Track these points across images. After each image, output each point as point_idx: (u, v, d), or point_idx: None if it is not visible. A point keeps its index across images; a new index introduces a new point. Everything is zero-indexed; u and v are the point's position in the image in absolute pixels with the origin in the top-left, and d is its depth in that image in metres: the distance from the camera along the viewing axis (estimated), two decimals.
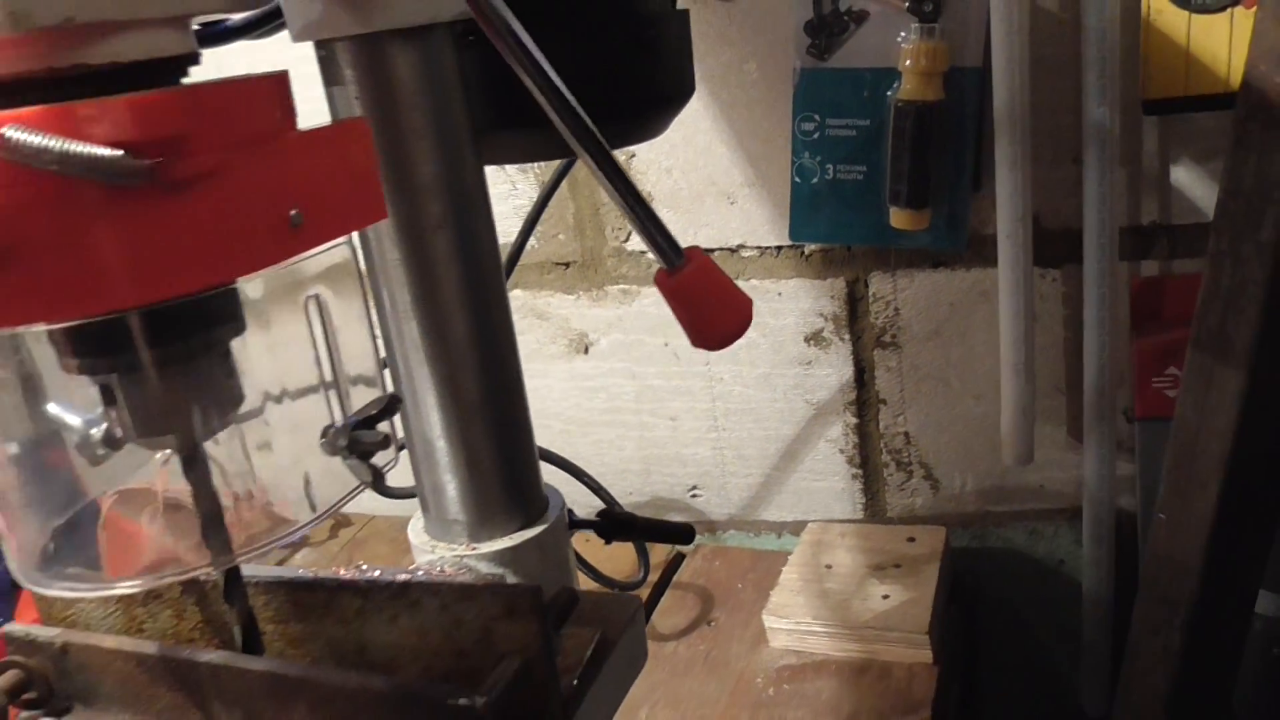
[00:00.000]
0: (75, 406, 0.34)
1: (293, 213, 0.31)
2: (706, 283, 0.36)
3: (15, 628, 0.40)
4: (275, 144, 0.31)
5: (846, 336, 0.99)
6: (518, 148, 0.57)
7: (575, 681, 0.36)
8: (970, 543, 0.99)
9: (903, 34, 0.83)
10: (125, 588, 0.33)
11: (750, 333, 1.08)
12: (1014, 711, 1.00)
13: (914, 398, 0.99)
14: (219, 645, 0.39)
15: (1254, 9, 0.70)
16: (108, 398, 0.32)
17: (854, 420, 1.01)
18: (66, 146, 0.25)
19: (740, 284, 1.00)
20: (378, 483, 0.34)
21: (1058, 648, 0.98)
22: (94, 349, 0.31)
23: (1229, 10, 0.70)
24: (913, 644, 0.82)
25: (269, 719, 0.36)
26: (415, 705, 0.33)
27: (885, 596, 0.86)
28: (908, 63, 0.83)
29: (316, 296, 0.33)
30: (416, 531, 0.53)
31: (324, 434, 0.34)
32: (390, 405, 0.34)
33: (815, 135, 0.90)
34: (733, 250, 0.98)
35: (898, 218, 0.87)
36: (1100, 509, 0.90)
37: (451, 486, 0.51)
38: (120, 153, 0.26)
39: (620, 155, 0.99)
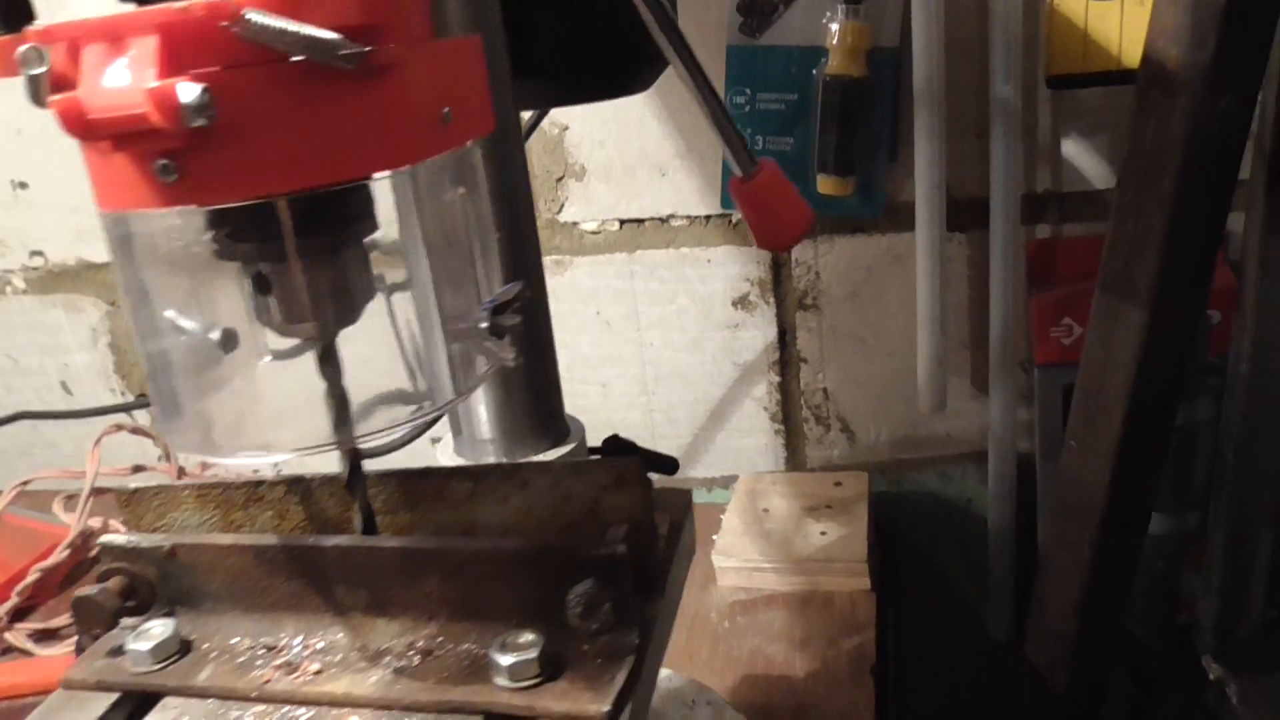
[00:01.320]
0: (194, 309, 0.36)
1: (445, 110, 0.34)
2: (778, 189, 0.41)
3: (115, 537, 0.41)
4: (434, 45, 0.34)
5: (771, 300, 1.05)
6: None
7: (661, 550, 0.40)
8: (887, 488, 1.07)
9: (828, 14, 0.91)
10: (275, 457, 0.36)
11: (680, 299, 1.14)
12: (929, 641, 1.09)
13: (832, 356, 1.06)
14: None
15: None
16: (260, 286, 0.34)
17: (777, 379, 1.08)
18: (301, 29, 0.28)
19: (670, 252, 1.06)
20: (511, 361, 0.37)
21: (966, 581, 1.08)
22: (257, 233, 0.33)
23: None
24: (853, 573, 0.90)
25: (397, 595, 0.39)
26: (554, 561, 0.36)
27: (823, 533, 0.94)
28: (834, 41, 0.90)
29: (454, 189, 0.36)
30: (447, 453, 0.56)
31: (458, 320, 0.37)
32: (521, 293, 0.37)
33: (746, 109, 0.97)
34: (664, 220, 1.04)
35: (825, 184, 0.95)
36: (1004, 450, 1.00)
37: (484, 408, 0.54)
38: (342, 37, 0.29)
39: (553, 128, 1.03)
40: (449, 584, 0.38)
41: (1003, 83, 0.88)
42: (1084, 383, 0.82)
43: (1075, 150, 0.95)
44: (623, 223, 1.03)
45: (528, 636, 0.36)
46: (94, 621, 0.39)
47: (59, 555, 0.87)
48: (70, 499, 0.96)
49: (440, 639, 0.38)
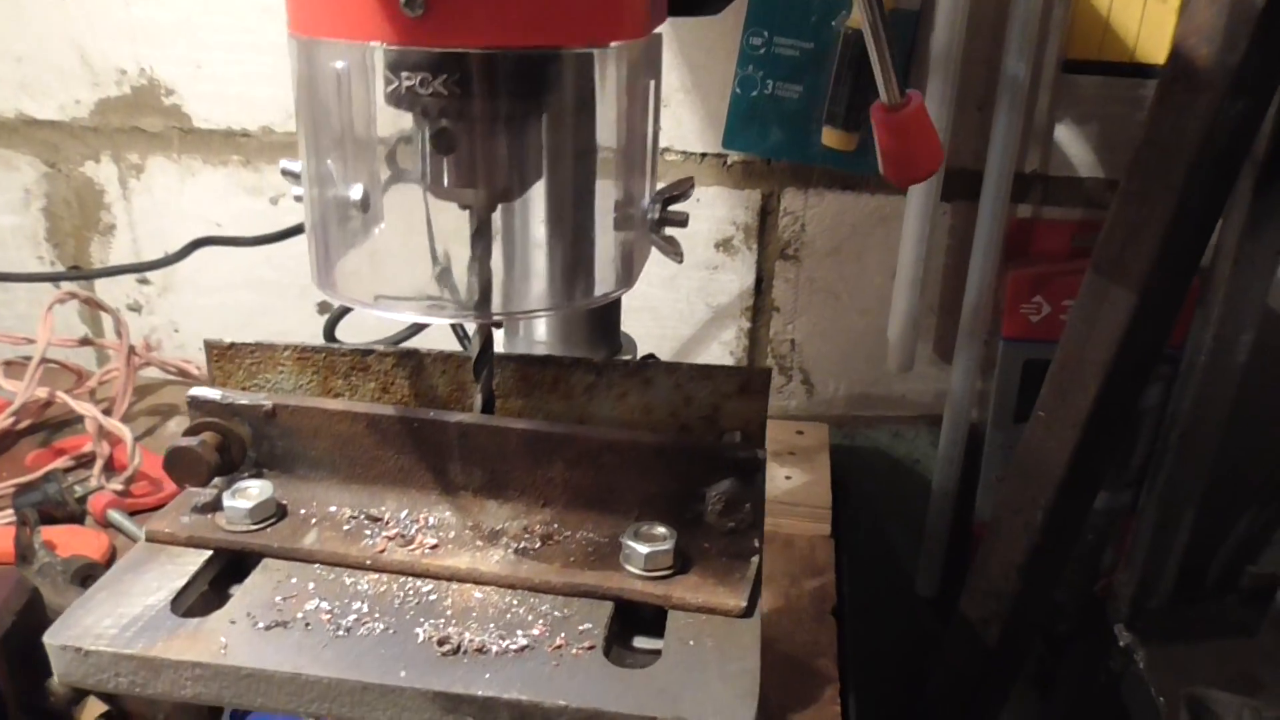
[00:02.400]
0: (361, 160, 0.35)
1: None
2: (921, 123, 0.41)
3: (208, 391, 0.39)
4: None
5: (754, 246, 1.06)
6: None
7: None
8: (841, 441, 1.10)
9: None
10: (401, 310, 0.34)
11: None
12: (860, 590, 1.13)
13: (805, 308, 1.08)
14: None
15: None
16: (440, 142, 0.33)
17: (748, 325, 1.10)
18: None
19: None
20: (678, 257, 0.37)
21: (901, 536, 1.13)
22: (455, 86, 0.32)
23: None
24: (816, 518, 0.92)
25: (516, 478, 0.38)
26: (692, 458, 0.37)
27: (788, 477, 0.96)
28: None
29: (648, 74, 0.35)
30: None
31: (629, 208, 0.36)
32: (689, 189, 0.37)
33: (762, 50, 0.97)
34: (659, 153, 1.03)
35: (830, 137, 0.96)
36: (959, 415, 1.05)
37: (543, 325, 0.53)
38: None
39: None
40: (574, 471, 0.37)
41: (1016, 60, 0.91)
42: (1062, 356, 0.86)
43: (1067, 136, 0.99)
44: None
45: (660, 529, 0.36)
46: (190, 475, 0.37)
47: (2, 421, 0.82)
48: (9, 365, 0.90)
49: (556, 525, 0.38)
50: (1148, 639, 0.99)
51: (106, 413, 0.90)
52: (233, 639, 0.33)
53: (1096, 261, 0.82)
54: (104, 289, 1.13)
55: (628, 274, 0.37)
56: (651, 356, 0.65)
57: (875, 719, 0.87)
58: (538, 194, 0.35)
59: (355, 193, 0.35)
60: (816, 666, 0.78)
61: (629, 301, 1.10)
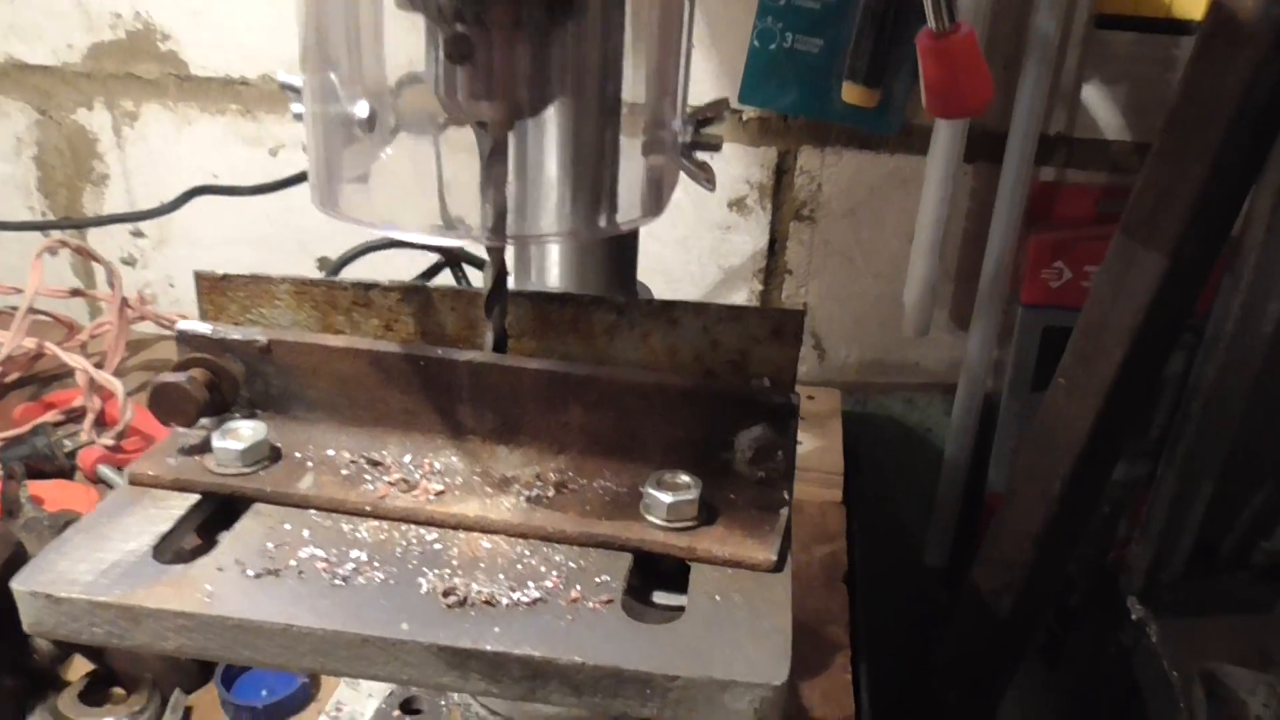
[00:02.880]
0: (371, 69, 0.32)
1: None
2: (970, 52, 0.38)
3: (198, 324, 0.36)
4: None
5: (768, 206, 1.03)
6: None
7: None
8: (853, 408, 1.08)
9: None
10: (408, 232, 0.32)
11: (676, 194, 1.11)
12: (869, 559, 1.11)
13: (819, 271, 1.06)
14: None
15: None
16: (454, 49, 0.30)
17: (760, 287, 1.07)
18: None
19: None
20: (711, 184, 0.34)
21: (911, 506, 1.10)
22: None
23: None
24: (827, 484, 0.90)
25: (530, 422, 0.36)
26: (721, 402, 0.34)
27: (799, 443, 0.93)
28: None
29: None
30: None
31: (658, 129, 0.34)
32: (723, 109, 0.34)
33: (781, 2, 0.93)
34: None
35: (850, 93, 0.93)
36: (975, 384, 1.02)
37: (559, 253, 0.50)
38: None
39: None
40: (593, 415, 0.35)
41: (1047, 15, 0.88)
42: (1086, 322, 0.83)
43: (1095, 97, 0.96)
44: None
45: (684, 478, 0.34)
46: (177, 413, 0.34)
47: None
48: None
49: (571, 473, 0.36)
50: (1161, 613, 0.96)
51: (98, 366, 0.87)
52: (220, 587, 0.30)
53: (1126, 223, 0.79)
54: (97, 242, 1.10)
55: (656, 200, 0.34)
56: None
57: (885, 686, 0.85)
58: (560, 110, 0.32)
59: (361, 110, 0.32)
60: (827, 634, 0.76)
61: (642, 261, 1.07)
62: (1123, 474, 0.99)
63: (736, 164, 1.02)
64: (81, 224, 1.07)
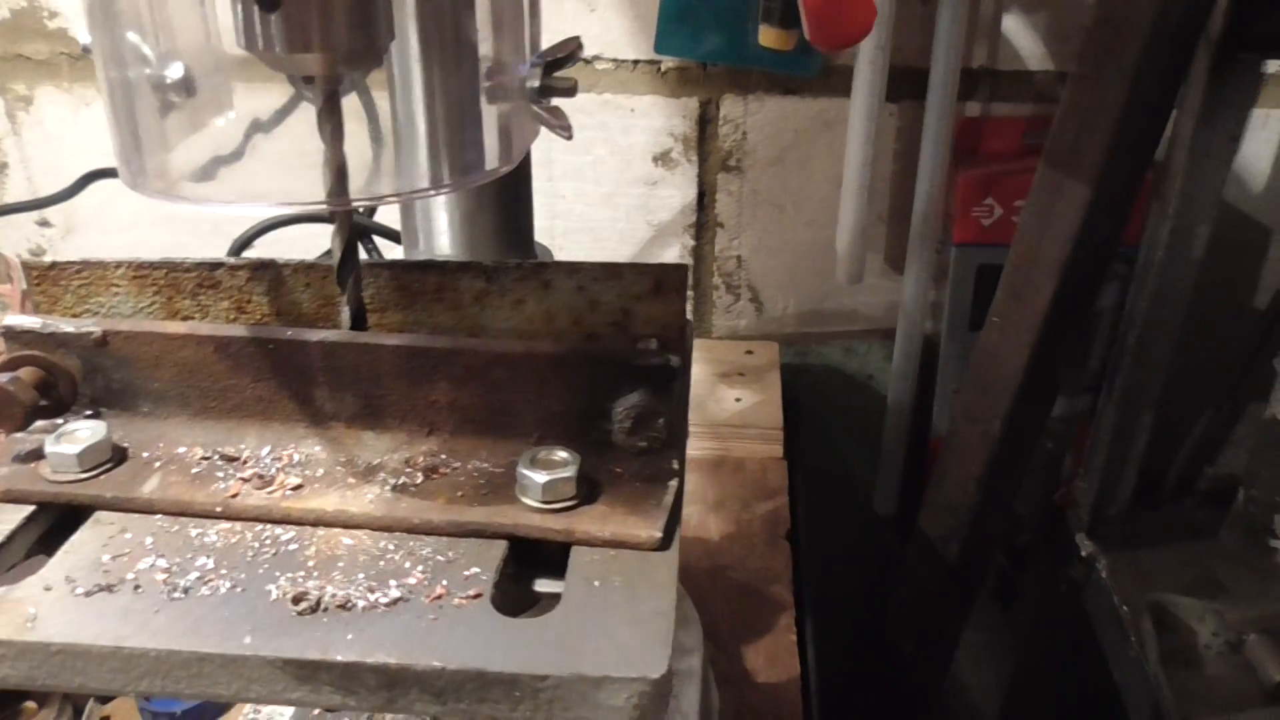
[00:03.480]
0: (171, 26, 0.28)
1: None
2: None
3: (25, 319, 0.33)
4: None
5: (694, 158, 1.00)
6: None
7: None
8: (793, 359, 1.06)
9: None
10: (237, 202, 0.29)
11: (598, 149, 1.08)
12: (816, 511, 1.10)
13: (750, 222, 1.03)
14: None
15: None
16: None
17: (691, 243, 1.04)
18: None
19: (592, 98, 0.99)
20: (566, 132, 0.31)
21: (857, 454, 1.09)
22: None
23: None
24: (767, 439, 0.88)
25: (394, 403, 0.33)
26: (596, 368, 0.31)
27: (737, 399, 0.91)
28: None
29: None
30: None
31: (503, 74, 0.31)
32: (576, 51, 0.31)
33: None
34: (587, 62, 0.96)
35: (766, 35, 0.89)
36: (913, 327, 1.00)
37: (446, 215, 0.47)
38: None
39: None
40: (461, 391, 0.32)
41: None
42: (1015, 257, 0.81)
43: (1015, 27, 0.93)
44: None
45: (561, 454, 0.31)
46: (3, 418, 0.31)
47: None
48: None
49: (443, 456, 0.33)
50: (1109, 547, 0.96)
51: None
52: (44, 609, 0.28)
53: (1049, 153, 0.77)
54: (2, 233, 1.05)
55: (507, 150, 0.31)
56: None
57: (835, 640, 0.84)
58: (392, 58, 0.29)
59: (173, 71, 0.29)
60: (771, 593, 0.74)
61: (566, 223, 1.04)
62: (1063, 410, 0.98)
63: (658, 116, 0.99)
64: None
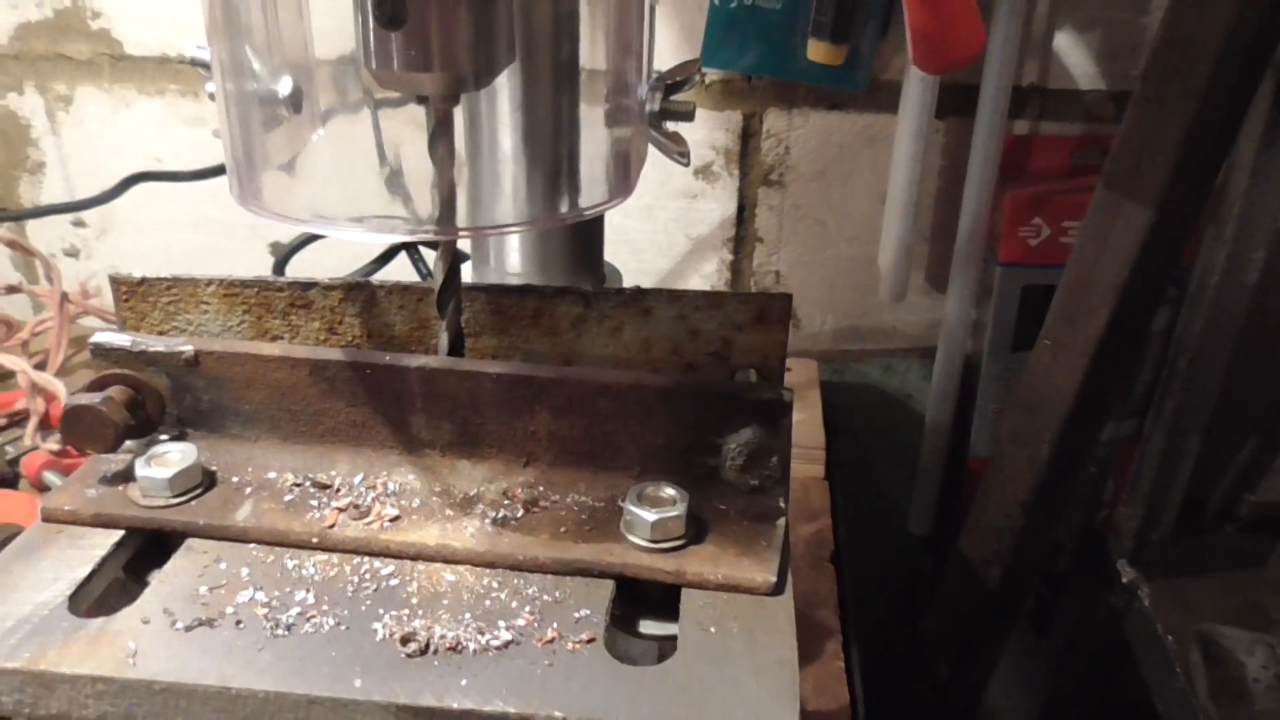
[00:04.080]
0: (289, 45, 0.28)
1: None
2: None
3: (115, 336, 0.32)
4: None
5: (735, 172, 1.00)
6: None
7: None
8: (830, 376, 1.05)
9: None
10: (343, 228, 0.28)
11: None
12: (852, 531, 1.09)
13: (790, 237, 1.02)
14: None
15: None
16: (386, 14, 0.26)
17: (730, 257, 1.03)
18: None
19: None
20: (684, 158, 0.30)
21: (893, 473, 1.08)
22: None
23: None
24: (809, 459, 0.87)
25: (492, 432, 0.32)
26: (706, 401, 0.30)
27: None
28: None
29: None
30: None
31: (622, 97, 0.29)
32: (695, 73, 0.30)
33: None
34: None
35: (816, 50, 0.88)
36: (954, 346, 0.99)
37: (516, 254, 0.46)
38: None
39: None
40: (562, 421, 0.31)
41: None
42: (1070, 280, 0.80)
43: (1067, 44, 0.92)
44: None
45: (668, 490, 0.30)
46: (94, 439, 0.30)
47: None
48: None
49: (541, 488, 0.32)
50: (1152, 574, 0.95)
51: (40, 366, 0.82)
52: (144, 643, 0.27)
53: (1108, 175, 0.76)
54: (37, 233, 1.04)
55: (624, 179, 0.30)
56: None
57: (875, 664, 0.83)
58: (511, 80, 0.28)
59: (284, 86, 0.28)
60: (817, 618, 0.73)
61: (606, 233, 1.03)
62: (1108, 433, 0.97)
63: (701, 129, 0.98)
64: (15, 216, 1.01)
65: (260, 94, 0.27)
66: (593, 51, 0.29)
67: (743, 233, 1.02)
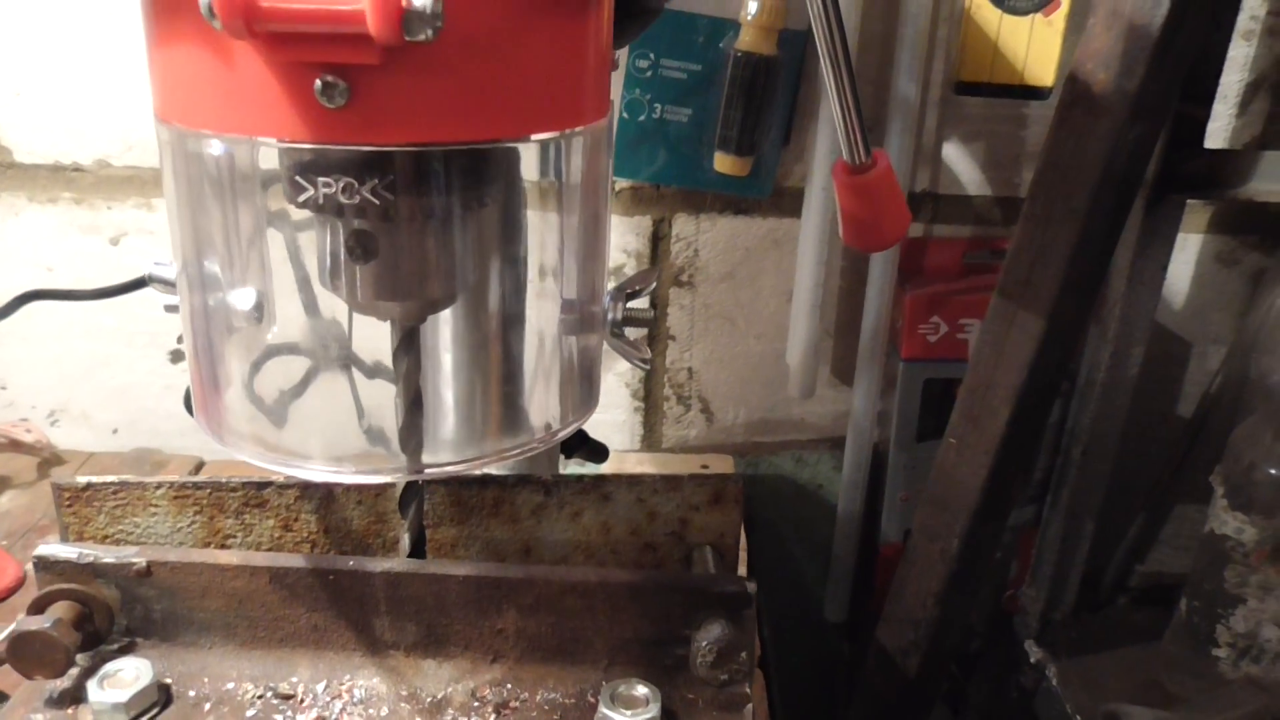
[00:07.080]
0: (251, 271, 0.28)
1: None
2: (889, 186, 0.37)
3: (60, 548, 0.31)
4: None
5: None
6: None
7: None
8: (745, 469, 1.07)
9: None
10: (307, 468, 0.28)
11: None
12: (770, 620, 1.11)
13: (701, 335, 1.05)
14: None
15: (1052, 16, 0.83)
16: (362, 247, 0.26)
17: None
18: None
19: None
20: (645, 363, 0.31)
21: (809, 563, 1.10)
22: (385, 194, 0.25)
23: (1032, 16, 0.83)
24: None
25: (458, 632, 0.32)
26: (673, 596, 0.31)
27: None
28: (749, 17, 0.87)
29: (602, 155, 0.29)
30: None
31: (583, 307, 0.30)
32: (653, 282, 0.31)
33: (648, 73, 0.92)
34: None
35: (723, 163, 0.92)
36: (862, 438, 1.03)
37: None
38: None
39: None
40: (530, 619, 0.31)
41: (907, 80, 0.89)
42: (971, 383, 0.84)
43: (955, 154, 0.98)
44: None
45: (640, 689, 0.31)
46: (42, 665, 0.29)
47: None
48: None
49: (509, 685, 0.32)
50: (1057, 653, 0.99)
51: None
52: None
53: (1003, 286, 0.81)
54: None
55: (589, 390, 0.31)
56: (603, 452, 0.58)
57: None
58: (471, 309, 0.29)
59: (249, 304, 0.28)
60: None
61: None
62: (1011, 519, 1.01)
63: (613, 233, 1.00)
64: None
65: (224, 327, 0.27)
66: (562, 269, 0.30)
67: (655, 332, 1.04)
